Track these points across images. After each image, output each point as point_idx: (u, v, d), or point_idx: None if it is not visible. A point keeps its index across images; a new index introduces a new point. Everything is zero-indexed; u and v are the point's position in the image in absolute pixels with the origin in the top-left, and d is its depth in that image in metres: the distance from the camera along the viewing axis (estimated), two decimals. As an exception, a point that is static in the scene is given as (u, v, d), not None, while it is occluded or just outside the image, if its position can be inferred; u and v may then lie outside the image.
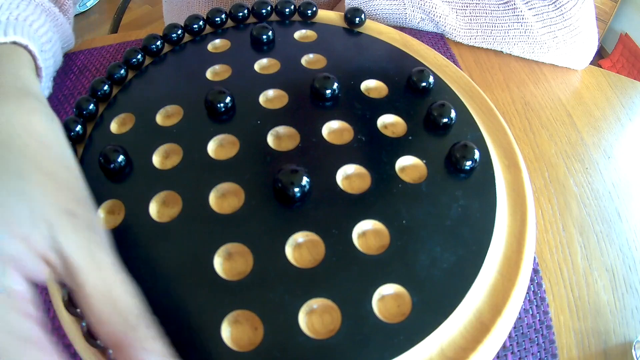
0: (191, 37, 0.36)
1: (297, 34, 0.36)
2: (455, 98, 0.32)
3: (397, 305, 0.23)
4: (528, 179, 0.28)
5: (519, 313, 0.27)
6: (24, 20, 0.32)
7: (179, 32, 0.35)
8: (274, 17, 0.38)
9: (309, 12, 0.37)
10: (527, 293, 0.28)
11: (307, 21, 0.38)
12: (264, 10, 0.37)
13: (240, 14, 0.37)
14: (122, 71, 0.33)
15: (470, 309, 0.23)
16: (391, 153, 0.28)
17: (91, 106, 0.30)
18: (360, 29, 0.37)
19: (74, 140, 0.29)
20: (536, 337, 0.27)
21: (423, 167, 0.28)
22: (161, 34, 0.35)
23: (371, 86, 0.32)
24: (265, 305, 0.22)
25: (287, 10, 0.37)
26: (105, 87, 0.31)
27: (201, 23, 0.36)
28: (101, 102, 0.32)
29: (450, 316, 0.22)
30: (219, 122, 0.29)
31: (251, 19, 0.38)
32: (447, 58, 0.38)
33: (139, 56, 0.34)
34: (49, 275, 0.19)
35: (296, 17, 0.38)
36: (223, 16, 0.37)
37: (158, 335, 0.19)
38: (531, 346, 0.26)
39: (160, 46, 0.35)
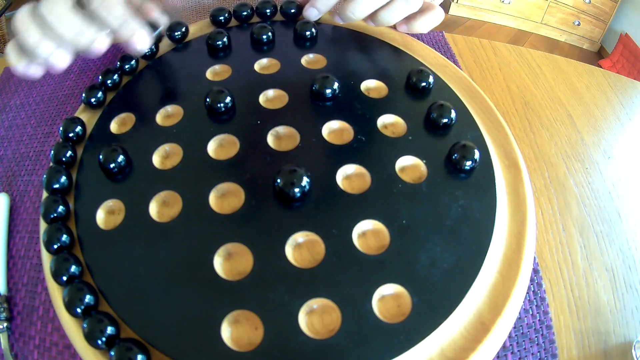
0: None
1: (297, 34, 0.36)
2: (455, 98, 0.32)
3: (397, 305, 0.23)
4: (528, 179, 0.28)
5: (519, 313, 0.27)
6: None
7: (183, 29, 0.35)
8: (278, 16, 0.38)
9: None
10: (527, 293, 0.28)
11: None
12: (267, 10, 0.37)
13: (244, 13, 0.37)
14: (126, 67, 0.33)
15: (470, 309, 0.23)
16: (391, 153, 0.28)
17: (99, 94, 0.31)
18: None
19: (74, 141, 0.29)
20: (536, 337, 0.27)
21: (423, 167, 0.28)
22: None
23: (371, 86, 0.32)
24: (265, 305, 0.22)
25: (291, 10, 0.37)
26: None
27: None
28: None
29: (450, 316, 0.22)
30: (219, 122, 0.29)
31: (255, 19, 0.38)
32: (447, 58, 0.38)
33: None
34: None
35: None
36: (227, 15, 0.37)
37: None
38: (531, 346, 0.26)
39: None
